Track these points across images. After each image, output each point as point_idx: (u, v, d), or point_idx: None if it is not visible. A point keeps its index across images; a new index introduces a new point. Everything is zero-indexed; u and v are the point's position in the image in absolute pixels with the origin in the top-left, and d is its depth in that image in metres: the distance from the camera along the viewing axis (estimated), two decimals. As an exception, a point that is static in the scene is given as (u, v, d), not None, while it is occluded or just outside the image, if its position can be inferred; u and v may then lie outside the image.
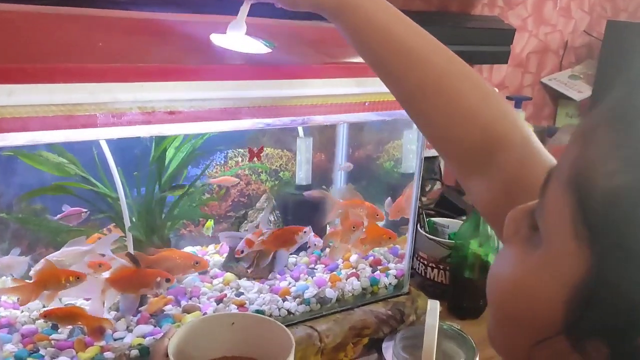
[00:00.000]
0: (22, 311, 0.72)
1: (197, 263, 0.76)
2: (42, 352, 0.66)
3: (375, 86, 0.76)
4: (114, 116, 0.59)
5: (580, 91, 1.66)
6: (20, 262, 0.70)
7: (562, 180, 0.32)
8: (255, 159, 0.76)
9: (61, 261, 0.69)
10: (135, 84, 0.59)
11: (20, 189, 0.74)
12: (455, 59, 0.54)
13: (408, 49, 0.54)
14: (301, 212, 0.88)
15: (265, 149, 0.89)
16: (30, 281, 0.67)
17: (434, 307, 0.80)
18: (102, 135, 0.65)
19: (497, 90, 0.56)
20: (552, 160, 0.49)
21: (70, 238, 0.75)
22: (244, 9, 0.64)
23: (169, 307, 0.76)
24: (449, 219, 1.07)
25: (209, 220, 0.92)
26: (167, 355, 0.56)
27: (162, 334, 0.72)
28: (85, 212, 0.76)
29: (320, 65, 0.72)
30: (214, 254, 0.92)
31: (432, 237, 0.97)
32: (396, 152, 1.02)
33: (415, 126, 0.97)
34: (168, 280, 0.71)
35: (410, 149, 0.98)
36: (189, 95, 0.63)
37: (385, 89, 0.77)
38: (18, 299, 0.71)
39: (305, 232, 0.81)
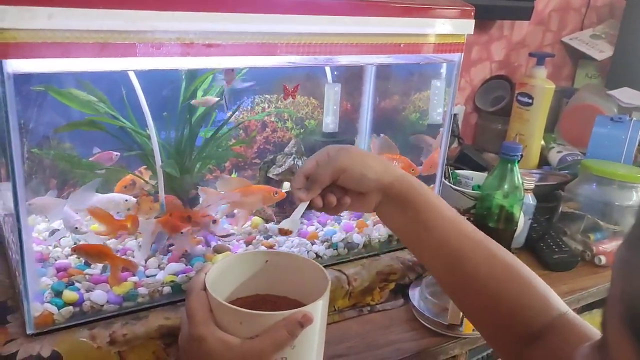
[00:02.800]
0: (55, 246, 0.73)
1: (276, 193, 0.78)
2: (77, 285, 0.66)
3: (411, 27, 0.75)
4: (153, 46, 0.58)
5: (601, 51, 1.63)
6: (57, 204, 0.69)
7: (616, 316, 0.31)
8: (290, 97, 0.75)
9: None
10: (175, 13, 0.58)
11: (50, 128, 0.73)
12: (496, 259, 0.60)
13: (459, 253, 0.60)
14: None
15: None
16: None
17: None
18: (139, 66, 0.63)
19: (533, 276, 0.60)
20: (591, 328, 0.55)
21: (102, 177, 0.75)
22: None
23: (199, 247, 0.76)
24: (472, 172, 1.07)
25: (233, 173, 0.92)
26: (205, 289, 0.56)
27: (194, 271, 0.72)
28: (117, 155, 0.75)
29: (359, 2, 0.70)
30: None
31: (457, 188, 0.97)
32: (422, 104, 1.01)
33: (444, 76, 0.96)
34: (215, 222, 0.71)
35: (438, 101, 0.97)
36: (227, 28, 0.61)
37: (421, 31, 0.76)
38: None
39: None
